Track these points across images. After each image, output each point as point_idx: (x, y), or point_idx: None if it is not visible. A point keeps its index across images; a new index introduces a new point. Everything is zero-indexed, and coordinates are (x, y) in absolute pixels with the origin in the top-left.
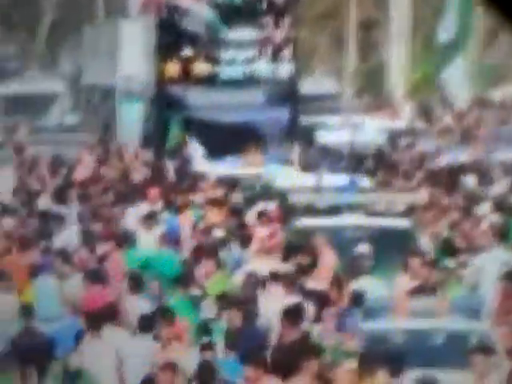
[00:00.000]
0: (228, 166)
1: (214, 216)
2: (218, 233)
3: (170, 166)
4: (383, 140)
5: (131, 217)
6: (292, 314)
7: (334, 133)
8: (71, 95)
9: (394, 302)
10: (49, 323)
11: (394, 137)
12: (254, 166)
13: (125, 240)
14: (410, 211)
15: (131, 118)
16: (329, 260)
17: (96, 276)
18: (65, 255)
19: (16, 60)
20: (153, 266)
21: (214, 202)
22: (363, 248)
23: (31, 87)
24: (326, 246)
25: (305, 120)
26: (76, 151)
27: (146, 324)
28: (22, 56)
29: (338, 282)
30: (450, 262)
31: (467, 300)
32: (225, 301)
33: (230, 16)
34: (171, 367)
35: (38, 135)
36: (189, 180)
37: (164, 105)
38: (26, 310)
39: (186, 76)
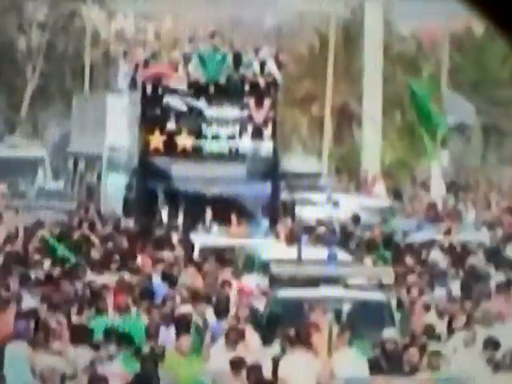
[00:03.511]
0: (212, 237)
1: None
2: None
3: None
4: (357, 217)
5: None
6: None
7: (313, 209)
8: (53, 162)
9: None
10: None
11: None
12: (238, 238)
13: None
14: (385, 285)
15: (115, 188)
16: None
17: None
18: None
19: None
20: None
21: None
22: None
23: (12, 152)
24: (322, 316)
25: (286, 195)
26: (57, 217)
27: None
28: (4, 122)
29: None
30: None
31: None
32: None
33: (214, 94)
34: None
35: (18, 200)
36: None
37: (147, 175)
38: None
39: (170, 149)
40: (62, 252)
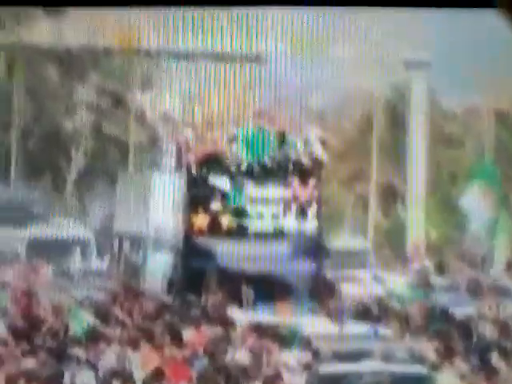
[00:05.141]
0: (259, 314)
1: None
2: None
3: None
4: (403, 294)
5: None
6: None
7: (358, 286)
8: (98, 242)
9: None
10: None
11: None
12: (284, 315)
13: None
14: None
15: (159, 267)
16: None
17: None
18: None
19: (41, 205)
20: None
21: None
22: None
23: (57, 233)
24: None
25: (330, 273)
26: (101, 297)
27: None
28: (48, 201)
29: None
30: None
31: None
32: None
33: (259, 173)
34: None
35: (62, 280)
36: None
37: (192, 255)
38: None
39: (215, 228)
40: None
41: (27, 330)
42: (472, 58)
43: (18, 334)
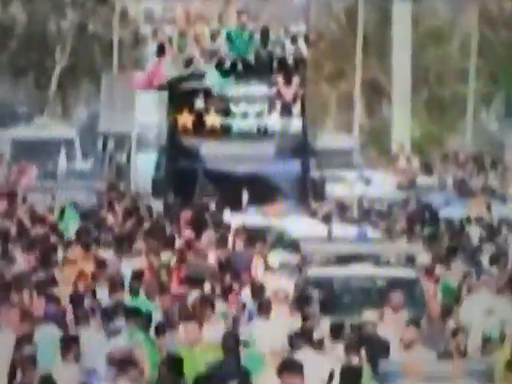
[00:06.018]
0: (247, 217)
1: None
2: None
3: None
4: (390, 194)
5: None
6: None
7: (345, 186)
8: (83, 142)
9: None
10: None
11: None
12: (274, 217)
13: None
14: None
15: (145, 167)
16: None
17: None
18: None
19: (25, 106)
20: None
21: None
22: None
23: (41, 133)
24: None
25: (317, 173)
26: (87, 198)
27: None
28: (33, 101)
29: None
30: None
31: (480, 362)
32: None
33: (243, 72)
34: None
35: (48, 181)
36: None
37: (176, 155)
38: None
39: (199, 127)
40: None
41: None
42: None
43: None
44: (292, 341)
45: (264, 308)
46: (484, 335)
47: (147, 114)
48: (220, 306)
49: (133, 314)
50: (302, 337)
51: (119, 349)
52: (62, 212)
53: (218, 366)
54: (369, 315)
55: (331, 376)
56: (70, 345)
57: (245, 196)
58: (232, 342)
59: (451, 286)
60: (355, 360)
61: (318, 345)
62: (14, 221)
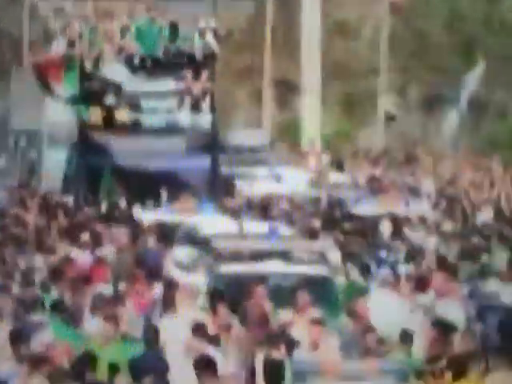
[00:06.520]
0: (159, 213)
1: None
2: None
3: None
4: (301, 191)
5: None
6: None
7: (256, 183)
8: None
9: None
10: None
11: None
12: (187, 214)
13: None
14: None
15: (56, 164)
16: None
17: None
18: None
19: None
20: None
21: None
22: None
23: None
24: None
25: (227, 170)
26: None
27: None
28: None
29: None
30: None
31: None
32: None
33: (152, 67)
34: None
35: None
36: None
37: (87, 151)
38: None
39: (109, 123)
40: None
41: None
42: None
43: None
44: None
45: (168, 304)
46: (389, 334)
47: (58, 110)
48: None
49: (55, 308)
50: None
51: (36, 345)
52: None
53: (139, 359)
54: (282, 314)
55: None
56: None
57: (162, 192)
58: (152, 335)
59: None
60: (276, 354)
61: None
62: None
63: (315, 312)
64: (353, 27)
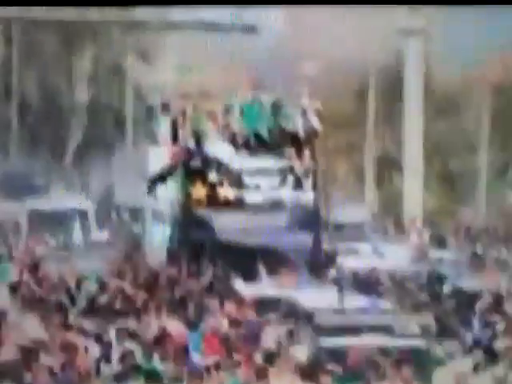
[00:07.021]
0: (261, 287)
1: None
2: None
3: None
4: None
5: None
6: None
7: (358, 259)
8: (98, 213)
9: None
10: None
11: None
12: (288, 287)
13: None
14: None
15: (159, 238)
16: None
17: None
18: None
19: (41, 178)
20: None
21: None
22: None
23: (57, 204)
24: None
25: (329, 245)
26: (103, 268)
27: None
28: (48, 174)
29: None
30: None
31: None
32: None
33: (255, 145)
34: None
35: (63, 251)
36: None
37: (190, 227)
38: None
39: (212, 200)
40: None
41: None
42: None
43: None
44: None
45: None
46: None
47: (161, 186)
48: None
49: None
50: None
51: None
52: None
53: None
54: None
55: None
56: None
57: (261, 267)
58: None
59: None
60: None
61: None
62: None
63: None
64: (455, 103)
